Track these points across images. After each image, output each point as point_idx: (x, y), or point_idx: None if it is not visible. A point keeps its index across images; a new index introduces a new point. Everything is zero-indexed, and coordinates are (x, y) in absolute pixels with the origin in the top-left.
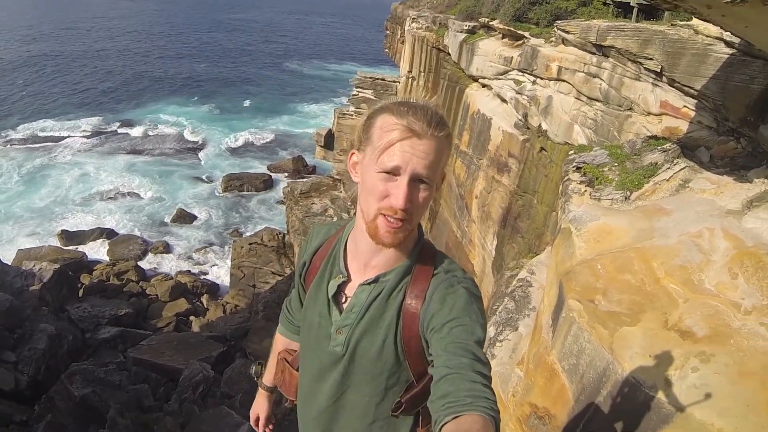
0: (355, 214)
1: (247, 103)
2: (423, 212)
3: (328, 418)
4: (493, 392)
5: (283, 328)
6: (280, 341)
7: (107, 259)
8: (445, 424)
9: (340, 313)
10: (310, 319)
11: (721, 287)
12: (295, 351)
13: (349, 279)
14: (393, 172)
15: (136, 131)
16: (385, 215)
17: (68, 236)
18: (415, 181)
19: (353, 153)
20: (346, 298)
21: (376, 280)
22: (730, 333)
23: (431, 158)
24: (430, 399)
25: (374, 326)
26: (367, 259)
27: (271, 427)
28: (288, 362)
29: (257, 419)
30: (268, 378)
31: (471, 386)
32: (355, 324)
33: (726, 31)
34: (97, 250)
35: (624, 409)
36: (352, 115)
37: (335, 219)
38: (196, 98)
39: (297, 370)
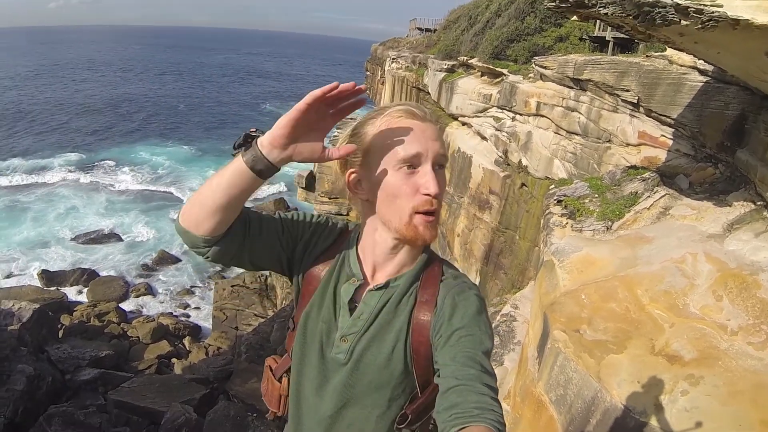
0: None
1: (226, 145)
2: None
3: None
4: (500, 405)
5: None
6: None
7: (87, 300)
8: None
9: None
10: (312, 327)
11: (707, 310)
12: (281, 359)
13: (366, 283)
14: (414, 162)
15: (117, 171)
16: (419, 212)
17: (48, 276)
18: (435, 166)
19: (351, 173)
20: (355, 305)
21: (386, 286)
22: (718, 354)
23: (441, 140)
24: (436, 410)
25: (383, 333)
26: (377, 265)
27: None
28: (272, 371)
29: None
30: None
31: (479, 398)
32: (362, 331)
33: (699, 59)
34: (77, 291)
35: None
36: None
37: None
38: (176, 139)
39: (278, 381)
